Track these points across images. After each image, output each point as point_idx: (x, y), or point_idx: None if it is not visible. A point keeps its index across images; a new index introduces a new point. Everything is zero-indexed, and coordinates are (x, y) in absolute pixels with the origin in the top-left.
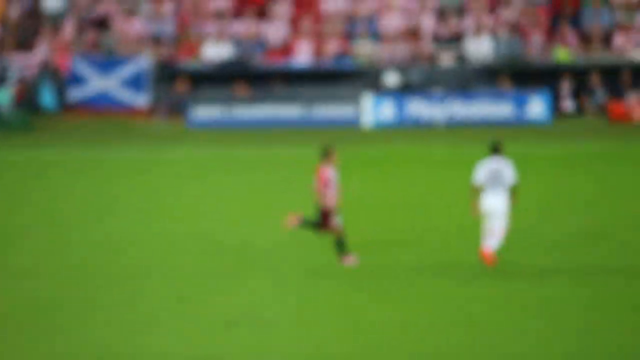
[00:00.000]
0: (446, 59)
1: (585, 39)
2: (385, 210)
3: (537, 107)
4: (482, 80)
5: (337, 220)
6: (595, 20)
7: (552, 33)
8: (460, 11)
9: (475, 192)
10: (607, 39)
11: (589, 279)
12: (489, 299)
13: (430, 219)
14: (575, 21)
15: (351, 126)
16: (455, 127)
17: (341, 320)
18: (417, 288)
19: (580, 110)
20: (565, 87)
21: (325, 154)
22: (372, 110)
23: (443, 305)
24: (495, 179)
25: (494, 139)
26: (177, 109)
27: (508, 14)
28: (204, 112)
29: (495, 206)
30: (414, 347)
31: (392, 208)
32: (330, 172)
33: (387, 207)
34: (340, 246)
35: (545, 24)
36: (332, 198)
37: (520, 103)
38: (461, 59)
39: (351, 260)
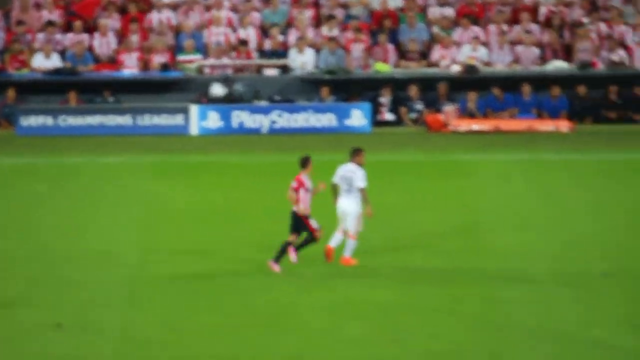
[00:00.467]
0: (271, 71)
1: (403, 53)
2: (211, 216)
3: (357, 117)
4: (305, 91)
5: (315, 223)
6: (413, 35)
7: (372, 47)
8: (285, 26)
9: (333, 191)
10: (424, 53)
11: (404, 284)
12: (313, 303)
13: (255, 225)
14: (394, 36)
15: (179, 135)
16: (279, 136)
17: (164, 326)
18: (250, 295)
19: (399, 121)
20: (385, 98)
21: (304, 163)
22: (199, 119)
23: (274, 311)
24: (347, 183)
25: (355, 146)
26: (7, 118)
27: (330, 29)
28: (34, 120)
29: (346, 208)
30: (227, 350)
31: (219, 214)
32: (307, 180)
33: (212, 213)
34: (302, 246)
35: (366, 39)
36: (308, 203)
37: (342, 113)
38: (285, 71)
39: (276, 268)
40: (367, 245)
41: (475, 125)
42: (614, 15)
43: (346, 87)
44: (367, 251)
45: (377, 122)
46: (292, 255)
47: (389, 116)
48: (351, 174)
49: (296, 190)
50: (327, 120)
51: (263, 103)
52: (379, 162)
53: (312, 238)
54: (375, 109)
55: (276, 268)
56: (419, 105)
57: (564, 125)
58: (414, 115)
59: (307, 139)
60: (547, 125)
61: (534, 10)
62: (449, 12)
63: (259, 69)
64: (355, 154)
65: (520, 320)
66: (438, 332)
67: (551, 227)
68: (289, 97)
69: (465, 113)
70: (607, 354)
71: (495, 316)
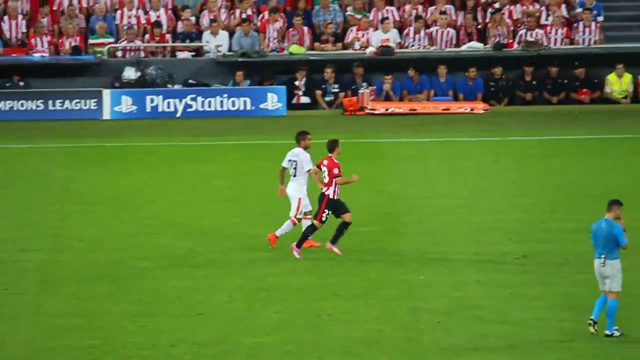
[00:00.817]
0: (184, 54)
1: (318, 35)
2: (124, 202)
3: (272, 100)
4: (219, 74)
5: (326, 216)
6: (327, 17)
7: (287, 29)
8: (198, 8)
9: (281, 175)
10: (339, 35)
11: (323, 269)
12: (230, 289)
13: (169, 210)
14: (309, 18)
15: (91, 120)
16: (194, 120)
17: (77, 312)
18: (166, 281)
19: (314, 104)
20: (300, 81)
21: (333, 146)
22: (112, 104)
23: (191, 297)
24: (292, 167)
25: (300, 130)
26: None
27: (244, 10)
28: None
29: (289, 192)
30: (144, 337)
31: (132, 200)
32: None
33: (126, 199)
34: (305, 235)
35: (282, 21)
36: (335, 187)
37: (257, 96)
38: (199, 54)
39: (297, 253)
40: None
41: (391, 107)
42: None
43: (261, 70)
44: (285, 236)
45: (292, 105)
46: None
47: (304, 99)
48: (295, 157)
49: (339, 175)
50: (242, 103)
51: (177, 87)
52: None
53: (313, 225)
54: (290, 92)
55: (335, 250)
56: (335, 88)
57: (479, 107)
58: (329, 98)
59: (222, 122)
60: (463, 107)
61: None
62: None
63: (173, 52)
64: (299, 138)
65: (439, 304)
66: (357, 317)
67: (468, 209)
68: (203, 80)
69: (381, 95)
70: (531, 333)
71: (413, 300)
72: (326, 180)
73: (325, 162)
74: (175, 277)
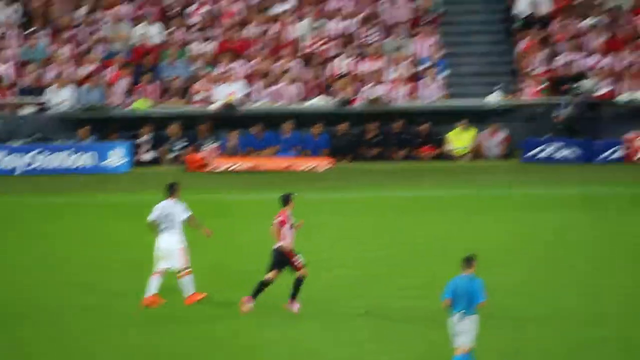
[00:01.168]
0: (27, 109)
1: (164, 90)
2: None
3: (116, 156)
4: (63, 130)
5: (300, 259)
6: (174, 71)
7: (134, 85)
8: (43, 62)
9: (152, 229)
10: (185, 90)
11: (159, 328)
12: (141, 347)
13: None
14: (155, 72)
15: None
16: (36, 177)
17: None
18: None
19: (159, 160)
20: (145, 137)
21: (287, 200)
22: None
23: (102, 350)
24: (169, 220)
25: (171, 182)
26: None
27: (90, 65)
28: None
29: (169, 246)
30: None
31: None
32: (291, 216)
33: None
34: (297, 288)
35: (128, 76)
36: (292, 239)
37: (100, 152)
38: (43, 109)
39: (295, 308)
40: (120, 289)
41: (234, 164)
42: (372, 51)
43: (106, 126)
44: (118, 294)
45: (137, 162)
46: (247, 305)
47: (149, 155)
48: (171, 209)
49: (281, 225)
50: (85, 160)
51: (19, 142)
52: (137, 203)
53: (299, 278)
54: (135, 148)
55: (249, 305)
56: (180, 144)
57: (324, 163)
58: (174, 154)
59: (66, 179)
60: (306, 163)
61: (294, 47)
62: (210, 47)
63: (15, 107)
64: (175, 189)
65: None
66: None
67: (313, 265)
68: (46, 136)
69: (226, 151)
70: None
71: (258, 358)
72: None
73: (279, 216)
74: (15, 329)
